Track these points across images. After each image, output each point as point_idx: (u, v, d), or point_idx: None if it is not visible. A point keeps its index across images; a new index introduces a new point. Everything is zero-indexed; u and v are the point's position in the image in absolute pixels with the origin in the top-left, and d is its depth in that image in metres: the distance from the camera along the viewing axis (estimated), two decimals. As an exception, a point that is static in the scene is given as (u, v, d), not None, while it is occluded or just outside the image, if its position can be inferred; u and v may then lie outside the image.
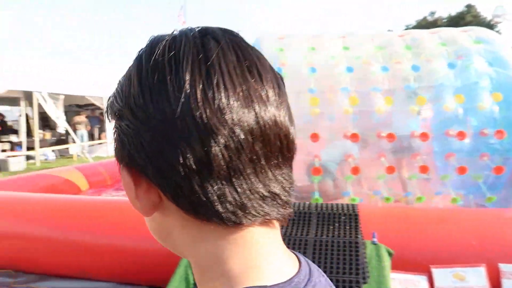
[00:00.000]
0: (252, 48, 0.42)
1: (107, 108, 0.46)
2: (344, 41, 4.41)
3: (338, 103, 3.91)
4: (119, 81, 0.44)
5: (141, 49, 0.42)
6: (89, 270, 3.27)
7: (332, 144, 4.01)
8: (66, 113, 13.50)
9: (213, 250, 0.42)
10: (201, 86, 0.37)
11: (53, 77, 11.96)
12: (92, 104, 15.17)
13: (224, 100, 0.37)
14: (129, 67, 0.42)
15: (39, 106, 11.55)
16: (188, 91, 0.37)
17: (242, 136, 0.38)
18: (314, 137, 3.76)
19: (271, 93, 0.40)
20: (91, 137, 15.57)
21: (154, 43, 0.41)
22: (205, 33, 0.40)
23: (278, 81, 0.42)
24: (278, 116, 0.40)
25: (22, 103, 12.41)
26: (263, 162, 0.40)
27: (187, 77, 0.37)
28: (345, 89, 3.92)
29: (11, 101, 12.80)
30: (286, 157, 0.43)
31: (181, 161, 0.37)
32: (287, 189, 0.43)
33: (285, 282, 0.41)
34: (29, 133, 13.80)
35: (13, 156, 11.42)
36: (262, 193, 0.40)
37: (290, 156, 0.43)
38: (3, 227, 3.41)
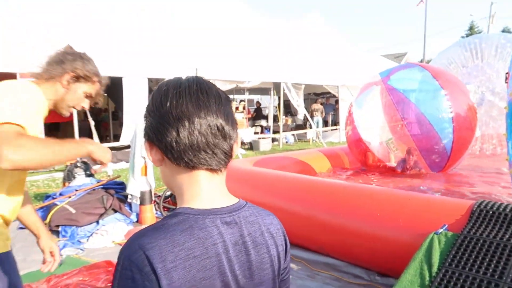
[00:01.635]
0: (206, 82, 0.80)
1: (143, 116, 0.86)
2: None
3: None
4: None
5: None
6: (325, 246, 3.60)
7: None
8: (304, 100, 14.88)
9: (180, 184, 0.79)
10: (174, 100, 0.75)
11: (296, 69, 13.39)
12: (328, 92, 16.17)
13: (184, 106, 0.75)
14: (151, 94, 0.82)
15: (284, 95, 13.16)
16: (169, 102, 0.75)
17: (194, 122, 0.74)
18: None
19: (212, 104, 0.76)
20: (325, 123, 16.66)
21: (160, 84, 0.81)
22: (184, 78, 0.80)
23: (220, 98, 0.78)
24: (215, 116, 0.76)
25: (271, 92, 14.41)
26: (207, 136, 0.75)
27: (169, 97, 0.76)
28: None
29: (263, 91, 15.05)
30: (223, 137, 0.77)
31: (166, 133, 0.75)
32: (222, 152, 0.77)
33: (210, 209, 0.76)
34: (275, 119, 15.96)
35: (263, 138, 13.45)
36: (205, 151, 0.76)
37: (226, 136, 0.77)
38: (260, 198, 4.12)
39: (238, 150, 0.84)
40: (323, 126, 15.73)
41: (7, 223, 1.55)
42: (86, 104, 1.72)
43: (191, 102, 0.75)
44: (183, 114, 0.74)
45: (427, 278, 2.34)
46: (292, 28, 16.97)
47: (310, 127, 14.63)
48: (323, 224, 3.56)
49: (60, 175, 7.51)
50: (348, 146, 7.06)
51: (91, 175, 5.36)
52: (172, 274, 0.66)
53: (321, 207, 3.66)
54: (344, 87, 14.52)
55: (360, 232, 3.25)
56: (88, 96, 1.70)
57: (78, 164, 5.69)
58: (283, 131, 14.25)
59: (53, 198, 4.78)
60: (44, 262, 1.78)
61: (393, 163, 6.31)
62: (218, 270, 0.71)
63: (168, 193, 5.45)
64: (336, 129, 15.54)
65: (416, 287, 2.29)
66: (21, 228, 3.91)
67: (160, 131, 0.75)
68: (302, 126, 17.19)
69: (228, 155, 0.79)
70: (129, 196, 5.02)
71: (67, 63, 1.60)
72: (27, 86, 1.46)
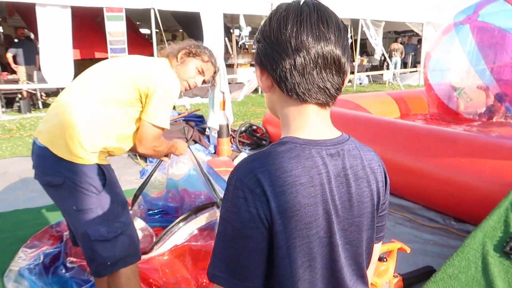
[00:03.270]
0: (327, 10, 0.75)
1: (254, 38, 0.83)
2: None
3: None
4: (261, 24, 0.80)
5: (273, 9, 0.78)
6: (400, 188, 3.58)
7: None
8: (382, 39, 13.96)
9: (287, 114, 0.79)
10: (295, 29, 0.72)
11: (377, 4, 12.44)
12: (410, 31, 14.97)
13: (305, 37, 0.72)
14: (267, 17, 0.78)
15: (361, 33, 12.44)
16: (289, 31, 0.72)
17: (312, 55, 0.72)
18: None
19: (332, 36, 0.73)
20: (404, 64, 15.64)
21: (279, 6, 0.76)
22: (304, 2, 0.75)
23: (339, 29, 0.74)
24: (334, 48, 0.73)
25: (348, 30, 13.63)
26: (322, 70, 0.73)
27: (289, 25, 0.72)
28: None
29: (340, 28, 14.26)
30: (338, 71, 0.75)
31: (282, 63, 0.73)
32: (334, 87, 0.76)
33: (315, 140, 0.76)
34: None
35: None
36: (319, 85, 0.74)
37: (340, 71, 0.75)
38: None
39: (346, 84, 0.83)
40: (401, 67, 14.80)
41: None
42: (198, 81, 1.96)
43: (312, 33, 0.72)
44: (303, 45, 0.71)
45: (512, 226, 2.26)
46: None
47: (387, 68, 13.85)
48: (400, 166, 3.52)
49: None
50: (426, 90, 6.65)
51: (173, 108, 5.68)
52: (280, 198, 0.70)
53: (398, 149, 3.60)
54: (430, 24, 13.32)
55: (440, 177, 3.17)
56: (200, 72, 1.95)
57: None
58: (358, 72, 13.67)
59: (140, 127, 5.20)
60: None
61: (480, 110, 5.86)
62: (321, 199, 0.74)
63: (243, 128, 5.65)
64: (416, 71, 14.55)
65: (498, 233, 2.24)
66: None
67: (276, 60, 0.74)
68: (378, 67, 16.30)
69: (339, 90, 0.78)
70: (207, 129, 5.30)
71: (182, 44, 1.95)
72: (175, 82, 1.79)
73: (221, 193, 2.28)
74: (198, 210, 2.37)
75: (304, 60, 0.72)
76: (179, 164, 2.53)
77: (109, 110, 1.68)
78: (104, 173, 1.69)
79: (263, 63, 0.78)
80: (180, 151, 2.11)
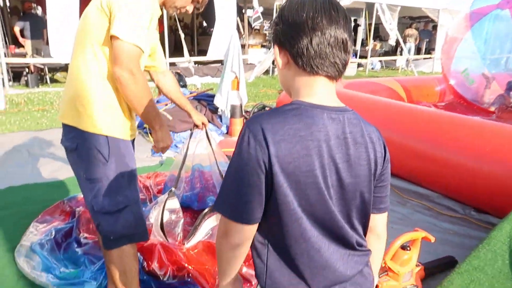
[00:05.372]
0: (336, 1, 0.88)
1: (272, 21, 0.97)
2: None
3: None
4: (279, 10, 0.92)
5: None
6: (418, 175, 3.48)
7: None
8: (397, 24, 13.63)
9: (299, 85, 0.91)
10: (311, 13, 0.85)
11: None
12: (426, 17, 14.60)
13: (320, 19, 0.84)
14: (284, 4, 0.91)
15: (377, 17, 12.14)
16: (306, 14, 0.85)
17: (326, 35, 0.85)
18: None
19: (341, 20, 0.86)
20: (418, 51, 15.32)
21: None
22: None
23: (346, 16, 0.88)
24: (343, 31, 0.86)
25: (363, 13, 13.34)
26: (334, 48, 0.85)
27: (306, 9, 0.86)
28: None
29: (354, 11, 13.94)
30: (345, 50, 0.87)
31: (299, 40, 0.85)
32: (342, 63, 0.88)
33: (319, 104, 0.87)
34: (363, 43, 14.99)
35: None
36: (330, 60, 0.86)
37: (346, 50, 0.87)
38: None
39: (349, 63, 0.94)
40: (415, 54, 14.49)
41: (131, 113, 1.69)
42: (190, 8, 1.80)
43: (326, 17, 0.85)
44: (318, 26, 0.84)
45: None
46: None
47: (401, 54, 13.56)
48: (418, 152, 3.41)
49: (153, 85, 7.94)
50: (443, 79, 6.49)
51: (184, 86, 5.57)
52: (280, 144, 0.81)
53: (417, 135, 3.49)
54: (446, 11, 12.95)
55: (463, 166, 3.06)
56: (194, 1, 1.78)
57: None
58: (371, 57, 13.39)
59: (151, 105, 5.11)
60: (154, 146, 1.84)
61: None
62: (318, 152, 0.83)
63: (256, 109, 5.55)
64: (430, 57, 14.24)
65: (529, 226, 2.15)
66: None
67: (294, 38, 0.86)
68: (390, 52, 16.00)
69: (345, 66, 0.90)
70: (219, 109, 5.19)
71: None
72: None
73: None
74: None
75: (319, 38, 0.84)
76: (201, 143, 2.42)
77: (93, 54, 1.54)
78: (109, 145, 1.59)
79: (281, 42, 0.90)
80: (158, 139, 1.74)
